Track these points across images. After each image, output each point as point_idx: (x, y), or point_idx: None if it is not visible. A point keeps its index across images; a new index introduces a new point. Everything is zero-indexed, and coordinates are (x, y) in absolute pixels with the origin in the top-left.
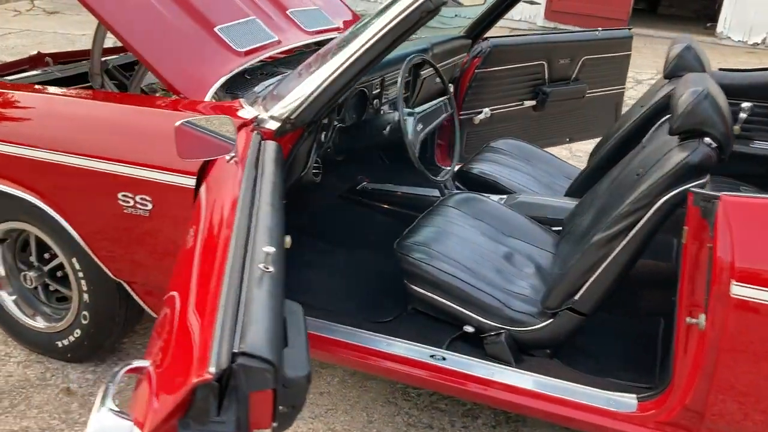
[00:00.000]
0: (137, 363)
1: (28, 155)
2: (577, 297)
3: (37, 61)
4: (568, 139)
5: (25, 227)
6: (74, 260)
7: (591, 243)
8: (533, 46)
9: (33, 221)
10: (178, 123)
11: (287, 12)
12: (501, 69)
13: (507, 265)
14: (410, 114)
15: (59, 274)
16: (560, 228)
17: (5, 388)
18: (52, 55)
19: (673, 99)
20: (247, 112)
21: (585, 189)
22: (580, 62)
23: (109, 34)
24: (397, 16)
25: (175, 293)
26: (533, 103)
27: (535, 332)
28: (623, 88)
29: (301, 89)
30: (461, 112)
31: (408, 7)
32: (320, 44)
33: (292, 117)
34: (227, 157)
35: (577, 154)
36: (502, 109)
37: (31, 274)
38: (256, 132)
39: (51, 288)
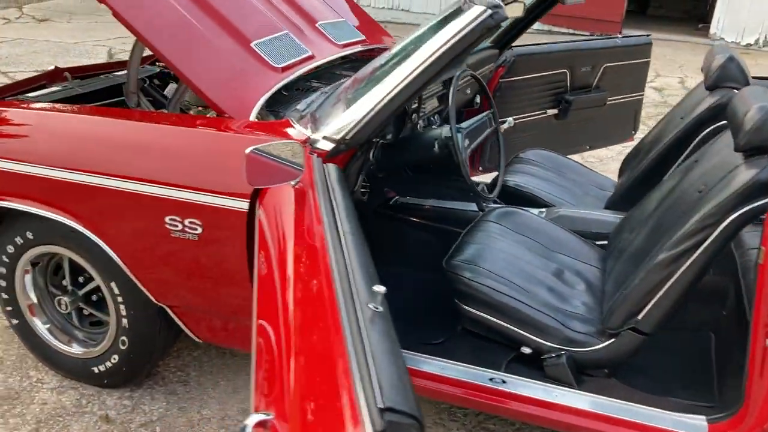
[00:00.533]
0: (259, 416)
1: (68, 178)
2: (640, 317)
3: (55, 76)
4: (587, 147)
5: (59, 251)
6: (113, 284)
7: (655, 262)
8: (556, 54)
9: (70, 245)
10: (248, 151)
11: (316, 25)
12: (524, 78)
13: (558, 282)
14: (458, 130)
15: (94, 297)
16: (604, 242)
17: (41, 417)
18: (70, 70)
19: (733, 115)
20: (297, 131)
21: (628, 202)
22: (601, 70)
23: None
24: (457, 33)
25: (265, 324)
26: (555, 111)
27: (596, 353)
28: (642, 94)
29: (357, 109)
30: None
31: (469, 24)
32: (348, 58)
33: (347, 137)
34: (292, 182)
35: (589, 159)
36: (525, 118)
37: (66, 298)
38: (316, 155)
39: (85, 312)
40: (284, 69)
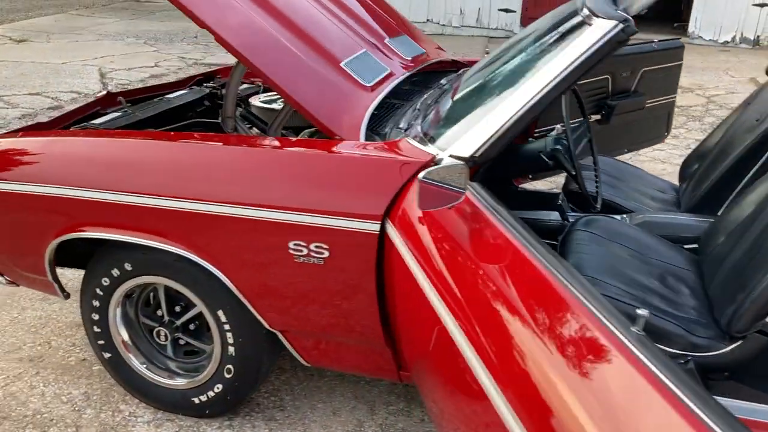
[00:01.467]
0: None
1: (184, 208)
2: None
3: (108, 101)
4: (626, 150)
5: (156, 281)
6: (220, 312)
7: None
8: None
9: (172, 274)
10: (421, 177)
11: (385, 42)
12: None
13: (664, 288)
14: (560, 140)
15: (191, 326)
16: (692, 246)
17: None
18: (122, 94)
19: None
20: (419, 151)
21: (709, 206)
22: (639, 74)
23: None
24: (589, 49)
25: (472, 354)
26: (598, 117)
27: (722, 356)
28: (674, 97)
29: (486, 125)
30: (535, 130)
31: (601, 38)
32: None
33: (476, 155)
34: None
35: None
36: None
37: (164, 329)
38: None
39: (180, 342)
40: (373, 88)
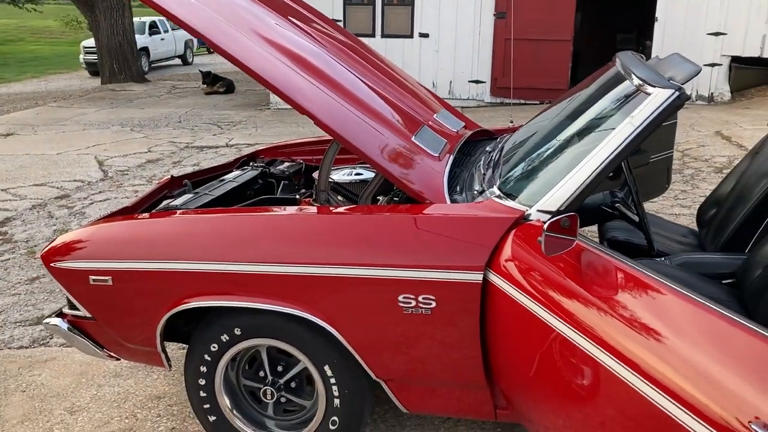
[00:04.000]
0: None
1: (299, 272)
2: None
3: (173, 184)
4: None
5: (262, 343)
6: (326, 367)
7: None
8: None
9: (280, 335)
10: (546, 226)
11: (434, 117)
12: None
13: None
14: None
15: (292, 384)
16: (730, 281)
17: None
18: (187, 176)
19: None
20: (507, 208)
21: (737, 245)
22: None
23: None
24: (651, 114)
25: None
26: (610, 174)
27: None
28: (672, 151)
29: (567, 184)
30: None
31: (661, 105)
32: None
33: (561, 209)
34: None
35: None
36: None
37: (270, 389)
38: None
39: (281, 400)
40: (440, 158)
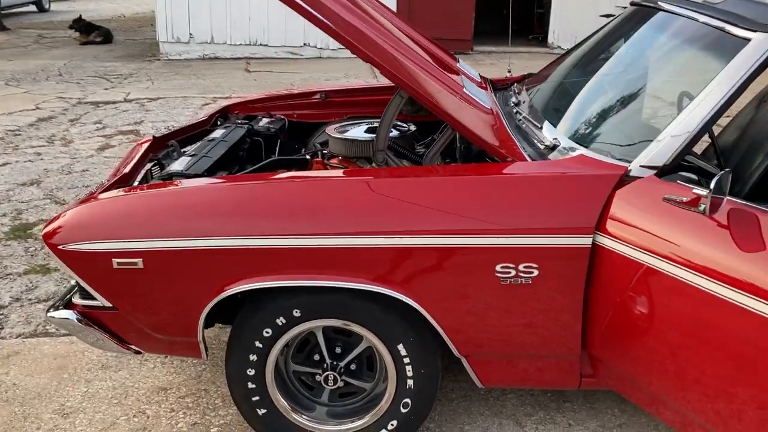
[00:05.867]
0: None
1: (377, 244)
2: None
3: (156, 146)
4: None
5: (324, 324)
6: (400, 346)
7: None
8: None
9: (345, 315)
10: (712, 186)
11: (459, 67)
12: None
13: None
14: None
15: (352, 367)
16: None
17: None
18: (167, 137)
19: None
20: (607, 164)
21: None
22: None
23: None
24: (757, 60)
25: None
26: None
27: None
28: None
29: (672, 137)
30: None
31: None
32: None
33: (667, 164)
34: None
35: None
36: None
37: (332, 373)
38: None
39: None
40: (492, 111)
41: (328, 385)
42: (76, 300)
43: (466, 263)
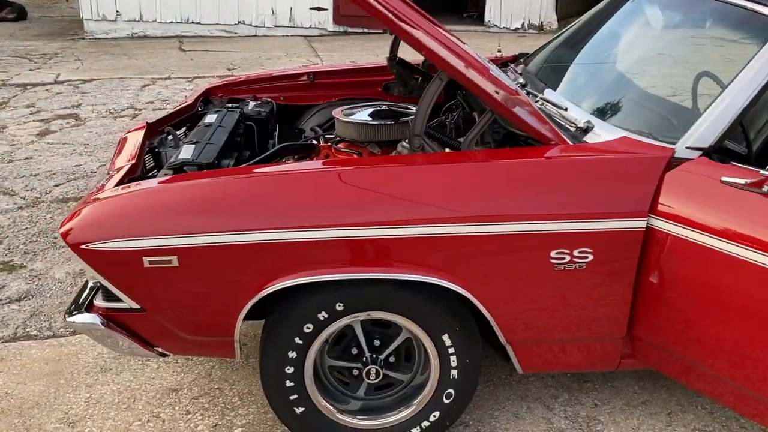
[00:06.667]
0: None
1: (431, 234)
2: None
3: (151, 132)
4: None
5: (365, 317)
6: (445, 336)
7: None
8: None
9: (389, 306)
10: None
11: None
12: None
13: None
14: None
15: (392, 359)
16: None
17: None
18: (158, 123)
19: None
20: (652, 146)
21: None
22: None
23: None
24: None
25: None
26: None
27: None
28: None
29: (715, 117)
30: None
31: None
32: None
33: (712, 144)
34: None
35: None
36: None
37: (374, 367)
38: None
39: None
40: (518, 92)
41: (369, 379)
42: (99, 302)
43: (519, 250)
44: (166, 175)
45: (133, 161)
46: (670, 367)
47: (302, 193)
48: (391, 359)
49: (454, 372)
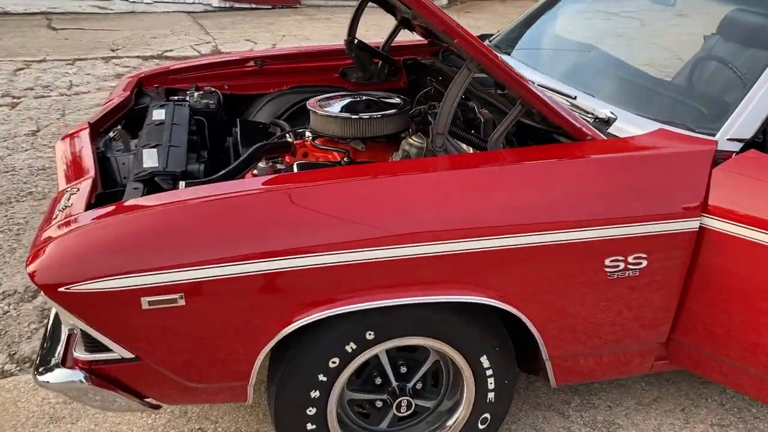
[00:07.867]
0: None
1: (469, 249)
2: None
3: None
4: None
5: (396, 345)
6: (483, 358)
7: None
8: None
9: (424, 332)
10: None
11: None
12: None
13: None
14: None
15: (419, 386)
16: None
17: None
18: (98, 123)
19: None
20: (695, 138)
21: None
22: None
23: None
24: None
25: None
26: None
27: None
28: None
29: (756, 107)
30: None
31: None
32: None
33: (754, 134)
34: None
35: None
36: None
37: (405, 399)
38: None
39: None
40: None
41: (400, 411)
42: (79, 354)
43: (572, 260)
44: (136, 189)
45: (91, 176)
46: (711, 371)
47: (329, 209)
48: (418, 386)
49: (491, 395)
